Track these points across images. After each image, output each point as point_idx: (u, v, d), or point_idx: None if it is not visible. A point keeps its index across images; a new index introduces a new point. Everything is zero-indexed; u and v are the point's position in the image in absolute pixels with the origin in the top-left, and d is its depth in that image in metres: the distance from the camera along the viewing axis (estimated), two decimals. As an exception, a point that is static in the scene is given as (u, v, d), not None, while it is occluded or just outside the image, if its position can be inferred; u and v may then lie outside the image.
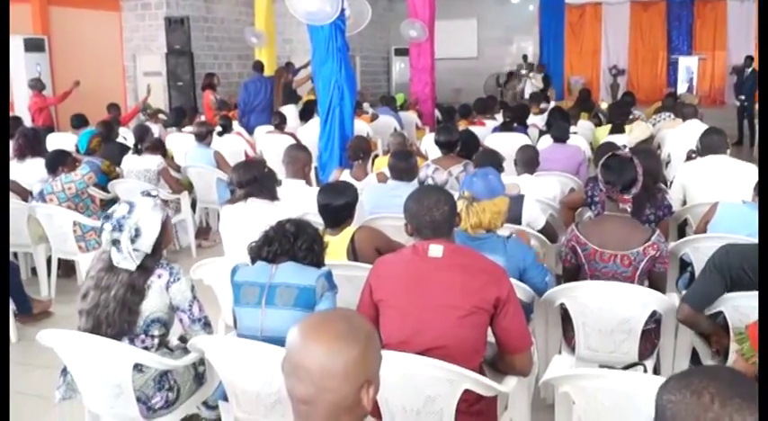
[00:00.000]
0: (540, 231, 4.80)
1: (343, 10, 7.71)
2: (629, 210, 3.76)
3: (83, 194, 6.23)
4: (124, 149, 8.03)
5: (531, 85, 17.99)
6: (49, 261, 6.45)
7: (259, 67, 12.56)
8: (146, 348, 3.36)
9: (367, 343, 1.68)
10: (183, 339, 3.59)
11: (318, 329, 1.69)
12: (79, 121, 9.79)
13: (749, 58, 15.41)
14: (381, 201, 5.23)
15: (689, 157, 6.50)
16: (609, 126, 9.14)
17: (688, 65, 18.86)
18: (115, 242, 3.26)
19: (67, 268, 6.70)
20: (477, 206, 3.63)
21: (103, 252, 3.37)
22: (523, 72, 18.79)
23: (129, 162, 7.53)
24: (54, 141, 9.07)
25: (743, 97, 14.86)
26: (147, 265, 3.34)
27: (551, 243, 4.85)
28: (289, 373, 1.69)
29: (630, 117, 9.73)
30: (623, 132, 8.28)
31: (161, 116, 11.90)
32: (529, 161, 5.80)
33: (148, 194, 3.48)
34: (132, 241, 3.26)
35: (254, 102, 11.90)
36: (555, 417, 3.19)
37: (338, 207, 4.10)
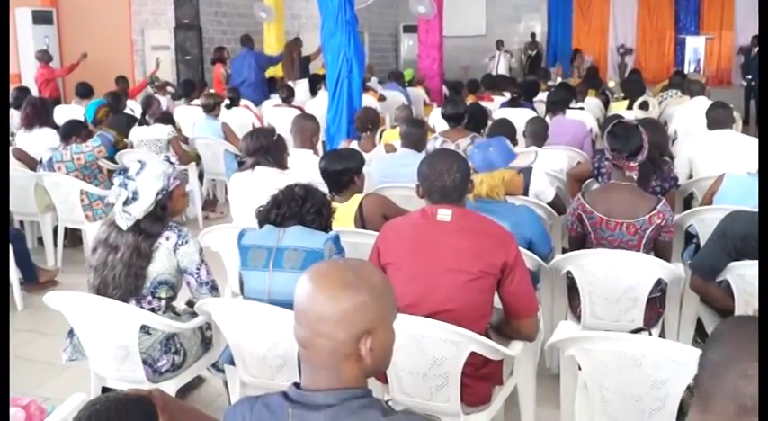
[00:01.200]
0: (549, 204, 4.81)
1: (352, -18, 7.69)
2: (635, 177, 3.75)
3: (92, 165, 6.24)
4: (131, 120, 8.06)
5: (507, 61, 17.92)
6: (55, 231, 6.47)
7: (246, 41, 12.44)
8: (152, 310, 3.38)
9: (371, 294, 1.67)
10: (190, 304, 3.60)
11: (323, 275, 1.69)
12: (84, 90, 9.81)
13: (756, 38, 15.33)
14: (390, 171, 5.24)
15: None
16: (626, 101, 9.10)
17: (695, 45, 18.71)
18: (118, 197, 3.28)
19: (74, 238, 6.72)
20: (475, 177, 3.65)
21: (112, 205, 3.39)
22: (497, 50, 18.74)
23: (139, 132, 7.55)
24: (61, 113, 9.04)
25: (750, 77, 14.82)
26: (150, 230, 3.35)
27: (559, 215, 4.84)
28: (294, 317, 1.71)
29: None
30: (644, 108, 8.21)
31: (169, 89, 11.90)
32: (537, 133, 5.80)
33: (167, 159, 3.49)
34: (126, 203, 3.27)
35: (237, 79, 11.82)
36: (560, 384, 3.22)
37: (337, 171, 4.09)
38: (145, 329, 3.30)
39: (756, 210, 3.48)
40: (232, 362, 3.23)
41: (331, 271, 1.72)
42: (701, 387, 1.58)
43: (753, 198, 3.94)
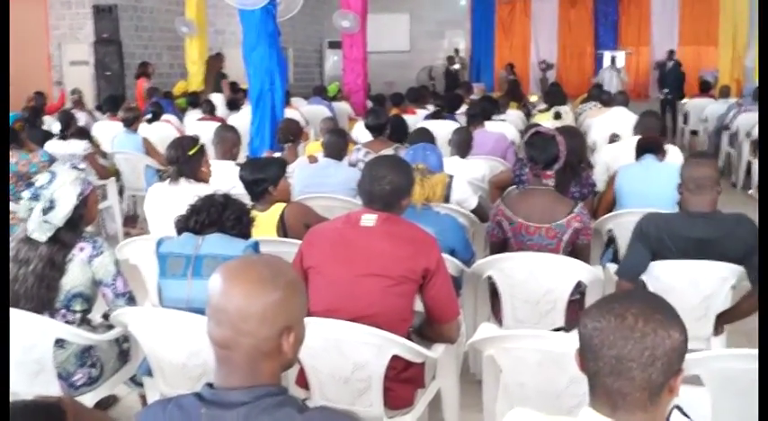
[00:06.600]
0: (472, 211, 4.84)
1: (274, -6, 7.68)
2: (551, 184, 3.83)
3: (25, 177, 6.09)
4: (48, 136, 7.84)
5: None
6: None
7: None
8: (68, 323, 3.27)
9: (288, 289, 1.66)
10: (106, 317, 3.51)
11: (239, 273, 1.66)
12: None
13: (671, 53, 15.88)
14: (311, 181, 5.22)
15: (611, 141, 6.67)
16: (548, 112, 9.29)
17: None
18: (31, 211, 3.19)
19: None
20: (433, 179, 3.71)
21: (22, 221, 3.29)
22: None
23: (54, 147, 7.34)
24: (-26, 128, 8.78)
25: (666, 90, 15.27)
26: (66, 240, 3.26)
27: (483, 222, 4.88)
28: (209, 317, 1.67)
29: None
30: (558, 118, 8.41)
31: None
32: (461, 143, 5.83)
33: (75, 167, 3.41)
34: (44, 212, 3.18)
35: None
36: (483, 386, 3.23)
37: (255, 180, 4.06)
38: (59, 342, 3.19)
39: (669, 211, 3.59)
40: (150, 374, 3.16)
41: (247, 268, 1.70)
42: (604, 386, 1.60)
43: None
